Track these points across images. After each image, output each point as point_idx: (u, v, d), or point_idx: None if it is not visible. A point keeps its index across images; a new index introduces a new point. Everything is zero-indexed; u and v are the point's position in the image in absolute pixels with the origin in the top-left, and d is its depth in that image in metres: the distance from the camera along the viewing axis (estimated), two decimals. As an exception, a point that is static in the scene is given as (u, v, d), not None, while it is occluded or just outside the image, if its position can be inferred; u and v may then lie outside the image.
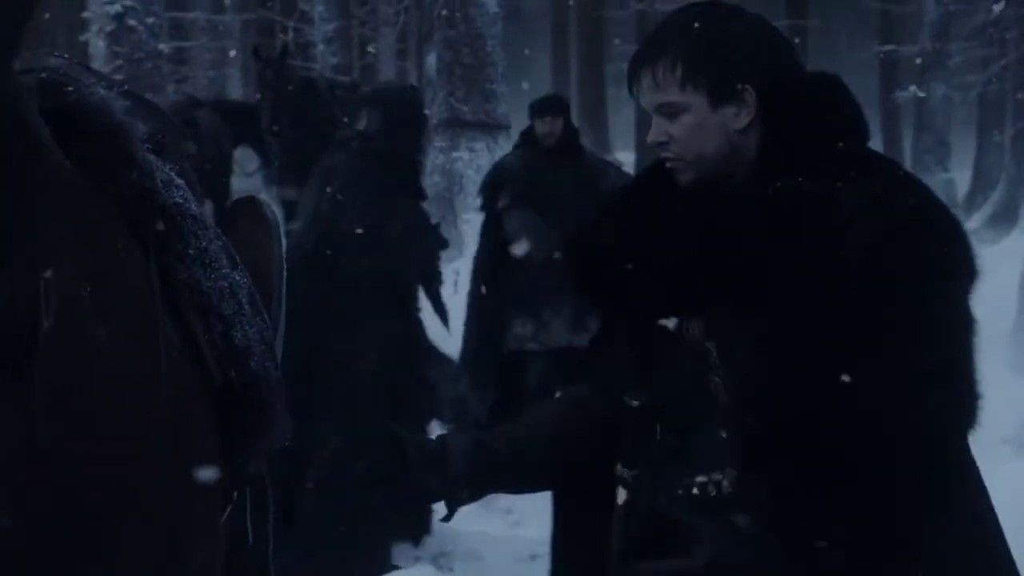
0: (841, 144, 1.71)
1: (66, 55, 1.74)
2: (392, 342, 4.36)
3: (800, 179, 1.65)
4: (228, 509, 1.86)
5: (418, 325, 4.64)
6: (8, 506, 1.25)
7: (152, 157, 1.61)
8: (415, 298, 4.66)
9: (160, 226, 1.55)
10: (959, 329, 1.75)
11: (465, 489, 1.86)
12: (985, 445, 5.41)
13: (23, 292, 1.23)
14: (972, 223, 14.17)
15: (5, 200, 1.22)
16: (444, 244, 4.82)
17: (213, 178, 8.12)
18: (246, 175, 11.22)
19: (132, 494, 1.40)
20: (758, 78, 1.73)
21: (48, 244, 1.28)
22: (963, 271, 1.75)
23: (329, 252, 4.24)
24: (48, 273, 1.26)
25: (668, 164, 1.79)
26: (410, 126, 4.61)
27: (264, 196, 13.12)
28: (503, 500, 4.60)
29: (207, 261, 1.62)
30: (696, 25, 1.78)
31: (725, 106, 1.73)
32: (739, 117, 1.74)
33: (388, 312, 4.35)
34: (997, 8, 13.84)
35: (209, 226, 1.70)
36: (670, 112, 1.76)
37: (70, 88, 1.46)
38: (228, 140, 9.93)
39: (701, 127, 1.74)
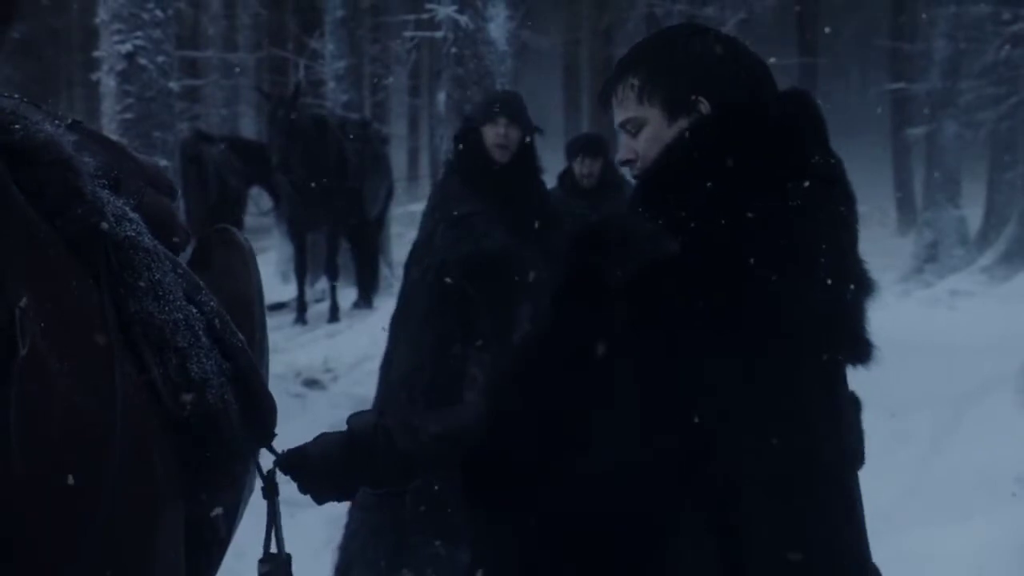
0: (742, 176, 1.66)
1: (16, 95, 1.76)
2: None
3: (640, 209, 1.69)
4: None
5: None
6: None
7: (103, 192, 1.61)
8: None
9: (111, 260, 1.55)
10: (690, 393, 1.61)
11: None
12: (994, 484, 5.35)
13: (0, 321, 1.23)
14: (984, 260, 14.14)
15: None
16: None
17: (221, 212, 8.15)
18: (260, 214, 11.26)
19: (83, 528, 1.38)
20: (713, 92, 1.74)
21: (15, 276, 1.28)
22: (711, 324, 1.59)
23: None
24: (23, 302, 1.26)
25: (636, 181, 1.82)
26: None
27: (276, 233, 13.10)
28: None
29: (160, 293, 1.62)
30: (657, 45, 1.83)
31: (680, 118, 1.75)
32: None
33: None
34: (1005, 50, 13.91)
35: (164, 259, 1.70)
36: (632, 128, 1.80)
37: (16, 126, 1.47)
38: (239, 176, 9.96)
39: (657, 139, 1.77)
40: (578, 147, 5.91)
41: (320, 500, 1.88)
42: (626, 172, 1.97)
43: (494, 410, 1.70)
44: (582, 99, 22.79)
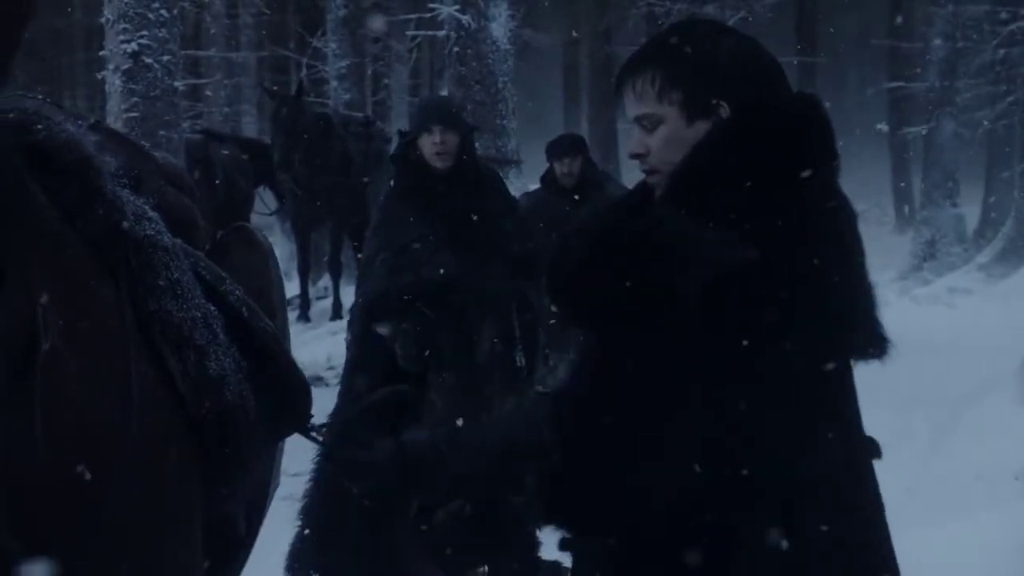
0: (776, 177, 1.68)
1: (39, 96, 1.76)
2: None
3: (682, 212, 1.66)
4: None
5: None
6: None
7: (123, 191, 1.62)
8: None
9: (130, 259, 1.56)
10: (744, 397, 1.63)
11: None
12: (994, 481, 5.36)
13: (22, 316, 1.25)
14: (982, 258, 14.17)
15: (4, 235, 1.24)
16: None
17: (228, 211, 8.14)
18: (265, 214, 11.26)
19: (91, 523, 1.38)
20: (733, 96, 1.73)
21: (36, 274, 1.30)
22: (769, 332, 1.62)
23: None
24: (44, 299, 1.28)
25: (646, 177, 1.81)
26: None
27: (276, 232, 13.09)
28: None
29: (179, 292, 1.62)
30: (678, 40, 1.80)
31: (699, 120, 1.74)
32: None
33: None
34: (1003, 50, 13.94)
35: (183, 257, 1.70)
36: (648, 124, 1.78)
37: (39, 126, 1.48)
38: (247, 176, 9.93)
39: (675, 140, 1.75)
40: (557, 148, 6.08)
41: (372, 503, 1.90)
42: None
43: (566, 431, 1.68)
44: (582, 98, 22.77)
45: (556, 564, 4.37)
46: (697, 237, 1.60)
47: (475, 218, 4.00)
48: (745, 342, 1.58)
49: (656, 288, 1.60)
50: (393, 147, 4.46)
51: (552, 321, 4.37)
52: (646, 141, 1.79)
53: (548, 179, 6.12)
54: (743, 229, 1.60)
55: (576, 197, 5.91)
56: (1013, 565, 4.11)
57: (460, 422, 1.89)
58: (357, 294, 4.23)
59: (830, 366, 1.69)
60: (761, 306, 1.58)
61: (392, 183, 4.24)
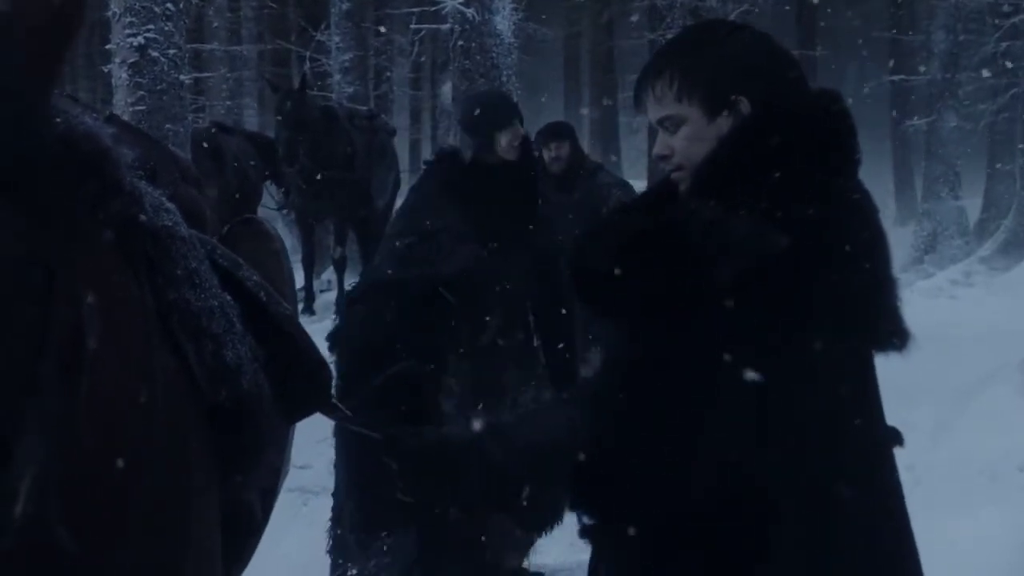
0: (803, 168, 1.69)
1: (55, 89, 1.79)
2: None
3: (712, 203, 1.67)
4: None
5: None
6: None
7: (141, 183, 1.63)
8: None
9: (149, 250, 1.57)
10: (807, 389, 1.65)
11: None
12: (997, 474, 5.36)
13: (72, 317, 1.27)
14: (984, 251, 14.20)
15: (55, 236, 1.26)
16: None
17: (237, 204, 8.15)
18: (272, 209, 11.28)
19: (131, 512, 1.41)
20: (753, 90, 1.75)
21: (79, 275, 1.31)
22: (831, 320, 1.65)
23: None
24: (91, 298, 1.29)
25: (672, 176, 1.83)
26: None
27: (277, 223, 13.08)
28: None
29: (196, 282, 1.63)
30: (692, 40, 1.83)
31: (720, 117, 1.76)
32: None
33: None
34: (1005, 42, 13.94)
35: (199, 247, 1.71)
36: (670, 125, 1.80)
37: (58, 119, 1.48)
38: (256, 169, 9.94)
39: (698, 138, 1.77)
40: (545, 133, 6.13)
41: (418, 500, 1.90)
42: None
43: (600, 421, 1.70)
44: (583, 91, 22.80)
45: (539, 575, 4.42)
46: (731, 225, 1.62)
47: (508, 208, 4.00)
48: (777, 330, 1.60)
49: (690, 277, 1.62)
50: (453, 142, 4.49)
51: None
52: (670, 142, 1.81)
53: (539, 166, 6.18)
54: (774, 218, 1.61)
55: (566, 183, 5.95)
56: (1016, 556, 4.13)
57: (480, 407, 1.90)
58: (366, 269, 4.20)
59: (858, 354, 1.72)
60: (793, 293, 1.60)
61: (433, 172, 4.17)
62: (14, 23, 1.14)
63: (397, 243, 3.95)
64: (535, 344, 4.12)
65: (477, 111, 4.12)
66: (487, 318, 3.97)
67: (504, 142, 3.99)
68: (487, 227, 3.95)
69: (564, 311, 4.14)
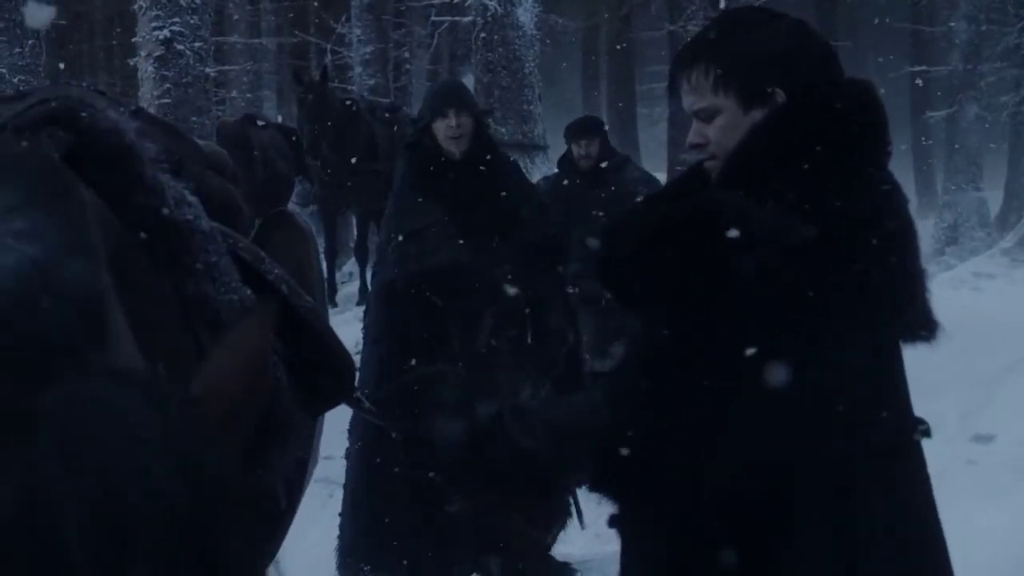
0: (833, 159, 1.70)
1: (84, 83, 1.78)
2: None
3: (739, 192, 1.69)
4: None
5: None
6: None
7: (164, 176, 1.64)
8: None
9: (171, 244, 1.58)
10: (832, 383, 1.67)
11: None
12: (1009, 470, 5.36)
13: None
14: (1006, 242, 14.13)
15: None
16: None
17: (269, 195, 8.14)
18: (297, 203, 11.29)
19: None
20: (788, 81, 1.77)
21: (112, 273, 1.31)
22: (849, 308, 1.65)
23: None
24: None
25: (705, 164, 1.85)
26: None
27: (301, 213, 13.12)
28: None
29: (216, 276, 1.65)
30: (729, 30, 1.84)
31: (756, 108, 1.78)
32: None
33: None
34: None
35: (220, 241, 1.73)
36: (705, 115, 1.82)
37: (83, 114, 1.51)
38: (287, 160, 9.93)
39: (733, 128, 1.79)
40: (575, 129, 6.08)
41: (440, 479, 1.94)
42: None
43: (624, 407, 1.72)
44: (601, 82, 22.75)
45: (565, 565, 4.41)
46: (757, 215, 1.63)
47: (487, 204, 3.94)
48: (803, 320, 1.61)
49: (716, 265, 1.63)
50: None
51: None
52: (704, 131, 1.83)
53: (566, 161, 6.13)
54: (802, 209, 1.62)
55: (594, 179, 5.92)
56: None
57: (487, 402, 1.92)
58: (373, 279, 4.26)
59: (885, 345, 1.73)
60: (820, 284, 1.61)
61: (404, 169, 4.19)
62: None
63: (389, 248, 3.97)
64: (529, 340, 4.09)
65: (428, 96, 4.15)
66: (479, 319, 3.95)
67: (441, 131, 3.93)
68: (467, 223, 3.91)
69: (558, 305, 4.13)
